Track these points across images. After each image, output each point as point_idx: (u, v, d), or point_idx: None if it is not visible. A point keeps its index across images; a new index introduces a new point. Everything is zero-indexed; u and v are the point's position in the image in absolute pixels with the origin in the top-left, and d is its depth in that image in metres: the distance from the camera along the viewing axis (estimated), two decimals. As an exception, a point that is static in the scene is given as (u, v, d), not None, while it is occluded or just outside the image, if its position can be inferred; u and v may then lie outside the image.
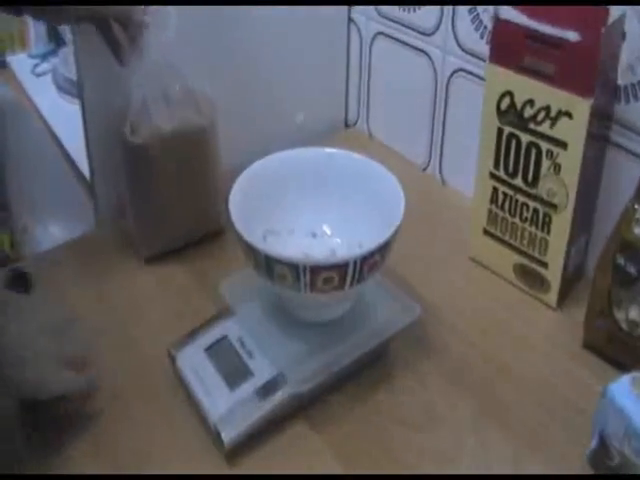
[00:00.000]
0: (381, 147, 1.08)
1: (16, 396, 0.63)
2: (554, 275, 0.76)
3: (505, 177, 0.77)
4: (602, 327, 0.69)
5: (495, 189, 0.79)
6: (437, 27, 0.92)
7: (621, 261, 0.66)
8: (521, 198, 0.76)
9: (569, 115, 0.69)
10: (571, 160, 0.70)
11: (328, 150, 0.74)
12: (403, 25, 0.97)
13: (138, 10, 0.74)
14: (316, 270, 0.61)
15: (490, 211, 0.80)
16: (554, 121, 0.70)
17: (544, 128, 0.71)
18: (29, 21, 1.57)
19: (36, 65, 1.54)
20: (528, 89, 0.71)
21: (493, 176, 0.78)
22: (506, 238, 0.80)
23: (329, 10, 1.04)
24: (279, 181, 0.72)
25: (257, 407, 0.64)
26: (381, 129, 1.09)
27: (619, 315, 0.67)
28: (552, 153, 0.71)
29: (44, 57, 1.56)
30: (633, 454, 0.55)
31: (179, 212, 0.84)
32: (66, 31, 1.43)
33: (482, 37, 0.85)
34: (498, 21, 0.72)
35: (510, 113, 0.74)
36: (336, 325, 0.69)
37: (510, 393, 0.69)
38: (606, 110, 0.73)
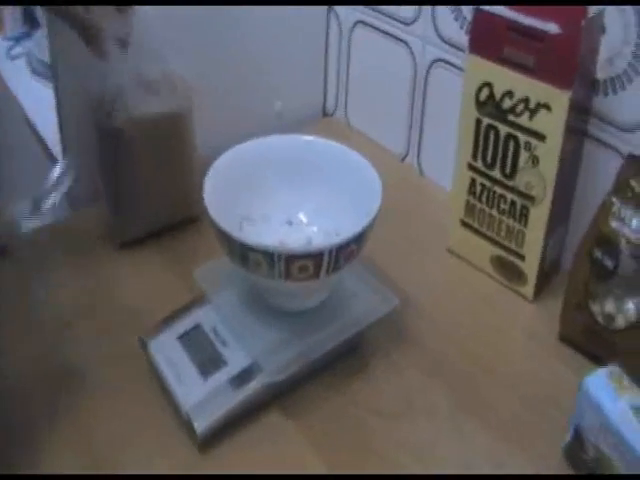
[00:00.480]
0: (359, 136, 1.07)
1: None
2: (531, 267, 0.76)
3: (483, 168, 0.77)
4: (578, 320, 0.70)
5: (473, 180, 0.78)
6: (417, 17, 0.91)
7: (598, 254, 0.66)
8: (499, 190, 0.76)
9: (548, 107, 0.69)
10: (549, 152, 0.70)
11: (306, 137, 0.74)
12: (383, 14, 0.96)
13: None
14: (291, 259, 0.60)
15: (468, 202, 0.80)
16: (533, 113, 0.70)
17: (523, 120, 0.71)
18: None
19: (10, 48, 1.51)
20: (507, 80, 0.71)
21: (471, 167, 0.78)
22: (483, 230, 0.80)
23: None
24: (256, 168, 0.72)
25: (231, 396, 0.63)
26: (360, 118, 1.09)
27: (595, 308, 0.67)
28: (530, 145, 0.71)
29: (18, 40, 1.54)
30: (607, 448, 0.55)
31: (155, 197, 0.83)
32: (40, 13, 1.40)
33: (462, 27, 0.85)
34: (478, 12, 0.72)
35: (489, 104, 0.74)
36: (312, 314, 0.69)
37: (486, 385, 0.69)
38: (584, 103, 0.73)
